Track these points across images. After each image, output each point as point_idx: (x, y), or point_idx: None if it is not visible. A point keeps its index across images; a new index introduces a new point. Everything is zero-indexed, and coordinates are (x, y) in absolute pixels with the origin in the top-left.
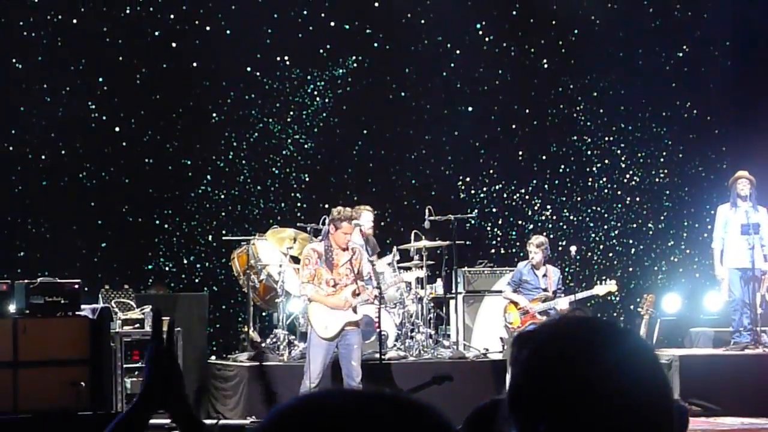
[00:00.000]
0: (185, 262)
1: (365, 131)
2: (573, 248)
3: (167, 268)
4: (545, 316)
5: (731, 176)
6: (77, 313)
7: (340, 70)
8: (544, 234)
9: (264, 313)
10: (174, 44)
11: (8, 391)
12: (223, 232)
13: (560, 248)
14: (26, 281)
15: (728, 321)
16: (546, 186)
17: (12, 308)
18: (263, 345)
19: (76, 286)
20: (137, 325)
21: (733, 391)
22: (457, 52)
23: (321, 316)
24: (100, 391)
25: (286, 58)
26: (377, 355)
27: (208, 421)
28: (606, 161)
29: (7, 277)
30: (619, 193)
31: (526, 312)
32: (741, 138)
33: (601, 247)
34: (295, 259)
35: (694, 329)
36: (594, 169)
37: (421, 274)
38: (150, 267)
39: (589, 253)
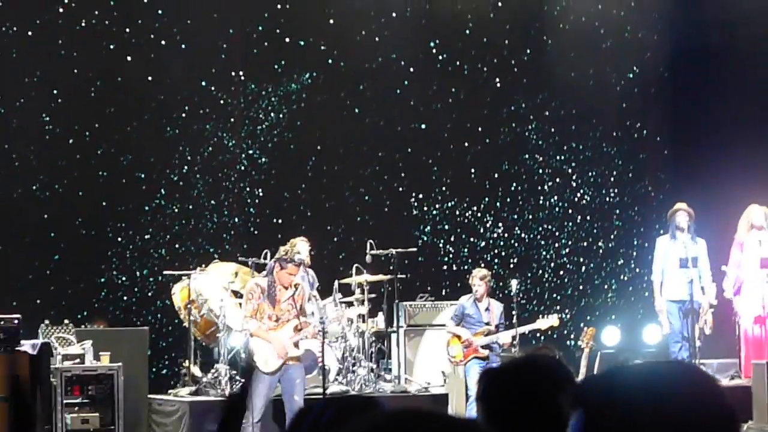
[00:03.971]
0: (137, 275)
1: (319, 147)
2: (514, 282)
3: (120, 281)
4: (488, 350)
5: (674, 200)
6: (17, 349)
7: (295, 86)
8: (489, 256)
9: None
10: (129, 57)
11: None
12: (163, 270)
13: (512, 266)
14: None
15: (667, 353)
16: (498, 204)
17: None
18: (204, 380)
19: (16, 322)
20: (77, 360)
21: None
22: (411, 69)
23: (263, 350)
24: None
25: (240, 73)
26: (319, 390)
27: None
28: (557, 180)
29: None
30: (570, 211)
31: (469, 345)
32: (683, 159)
33: (552, 264)
34: (237, 294)
35: (635, 362)
36: (546, 187)
37: (363, 311)
38: (103, 280)
39: (540, 271)
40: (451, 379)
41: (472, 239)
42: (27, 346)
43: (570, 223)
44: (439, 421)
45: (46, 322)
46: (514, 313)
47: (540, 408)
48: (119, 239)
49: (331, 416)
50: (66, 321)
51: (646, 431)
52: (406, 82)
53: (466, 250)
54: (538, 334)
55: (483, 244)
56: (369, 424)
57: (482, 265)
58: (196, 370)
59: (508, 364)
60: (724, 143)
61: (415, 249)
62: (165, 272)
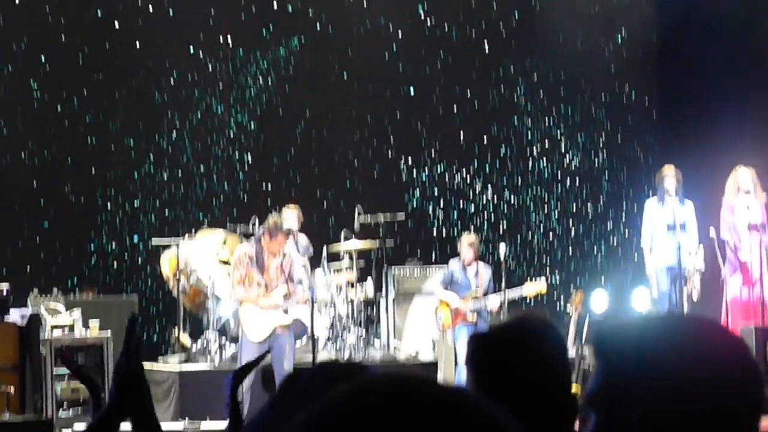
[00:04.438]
0: (127, 242)
1: (307, 112)
2: (502, 246)
3: (110, 248)
4: (476, 315)
5: (663, 162)
6: (5, 319)
7: (283, 51)
8: (479, 220)
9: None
10: (116, 24)
11: None
12: (152, 238)
13: (501, 231)
14: None
15: None
16: (487, 168)
17: None
18: (194, 348)
19: (5, 292)
20: (67, 330)
21: None
22: (399, 34)
23: (252, 319)
24: (30, 397)
25: (228, 38)
26: (309, 357)
27: None
28: (546, 144)
29: None
30: (558, 175)
31: (458, 311)
32: (671, 121)
33: (542, 228)
34: (226, 262)
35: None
36: (534, 151)
37: (352, 278)
38: (92, 247)
39: (529, 235)
40: (440, 345)
41: (461, 204)
42: (16, 315)
43: (559, 187)
44: (426, 385)
45: (35, 290)
46: (503, 277)
47: (528, 370)
48: (108, 206)
49: (320, 381)
50: (55, 290)
51: (670, 387)
52: (394, 47)
53: (455, 214)
54: (526, 300)
55: (472, 208)
56: (356, 387)
57: (472, 229)
58: (185, 339)
59: (496, 326)
60: (711, 105)
61: (403, 215)
62: (153, 240)
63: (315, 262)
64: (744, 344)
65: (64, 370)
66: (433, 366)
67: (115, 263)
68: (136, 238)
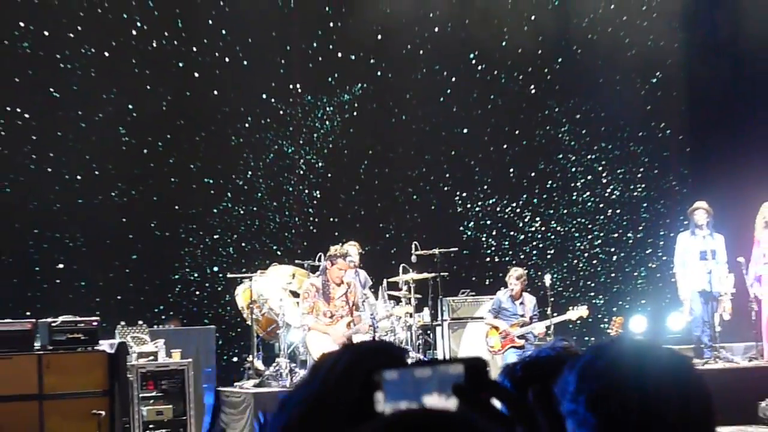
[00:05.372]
0: (208, 272)
1: (370, 151)
2: (547, 277)
3: (192, 278)
4: (523, 340)
5: (697, 193)
6: (96, 348)
7: (347, 96)
8: (528, 249)
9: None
10: (196, 74)
11: (35, 421)
12: (226, 269)
13: (549, 258)
14: (49, 320)
15: (690, 339)
16: (535, 200)
17: (36, 345)
18: (266, 373)
19: (95, 324)
20: (151, 358)
21: None
22: (453, 79)
23: (319, 345)
24: (119, 419)
25: (298, 85)
26: None
27: None
28: (589, 177)
29: (30, 314)
30: (601, 206)
31: (506, 336)
32: (704, 157)
33: (586, 255)
34: (294, 294)
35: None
36: (578, 184)
37: (410, 309)
38: (176, 277)
39: (575, 261)
40: (491, 367)
41: (511, 233)
42: (105, 345)
43: (601, 216)
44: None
45: (122, 323)
46: (549, 304)
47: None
48: (191, 239)
49: (348, 360)
50: (140, 322)
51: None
52: (448, 91)
53: (506, 243)
54: (570, 324)
55: (522, 237)
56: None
57: (522, 257)
58: (259, 364)
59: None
60: (741, 142)
61: (455, 249)
62: (228, 275)
63: (375, 292)
64: (692, 368)
65: (149, 393)
66: None
67: (196, 292)
68: (215, 269)
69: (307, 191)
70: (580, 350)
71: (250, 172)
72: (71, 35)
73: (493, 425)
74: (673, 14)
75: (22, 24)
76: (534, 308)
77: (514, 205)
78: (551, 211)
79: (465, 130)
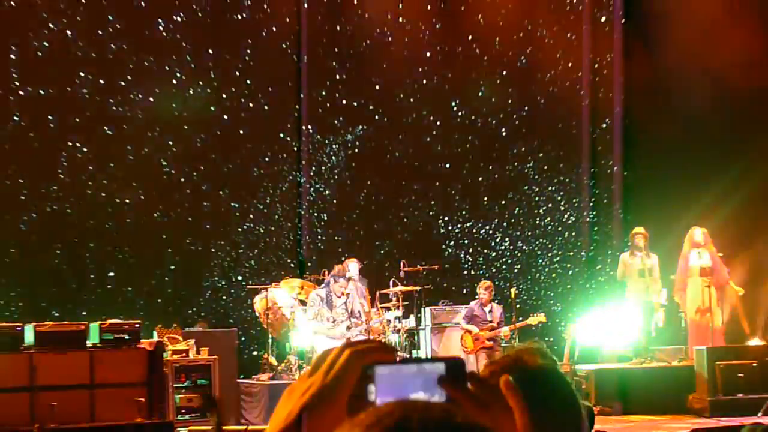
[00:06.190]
0: (233, 280)
1: (369, 182)
2: (513, 290)
3: (219, 286)
4: (492, 342)
5: (639, 219)
6: (138, 346)
7: (350, 136)
8: (499, 264)
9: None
10: (225, 116)
11: (87, 406)
12: (247, 279)
13: (515, 272)
14: (99, 322)
15: (632, 342)
16: (505, 223)
17: (88, 343)
18: (279, 368)
19: (137, 326)
20: (183, 355)
21: (637, 395)
22: (438, 122)
23: (323, 345)
24: (156, 405)
25: (309, 127)
26: None
27: (238, 427)
28: (549, 205)
29: (86, 315)
30: (559, 228)
31: (478, 339)
32: (643, 189)
33: (546, 269)
34: (302, 302)
35: (606, 350)
36: (540, 210)
37: (399, 314)
38: (206, 284)
39: (537, 275)
40: (466, 364)
41: (485, 251)
42: (145, 344)
43: (559, 238)
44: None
45: (160, 326)
46: (514, 311)
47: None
48: (219, 253)
49: (348, 356)
50: (174, 325)
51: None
52: (434, 132)
53: (480, 259)
54: (532, 328)
55: (493, 254)
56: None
57: (493, 270)
58: (273, 361)
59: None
60: (672, 176)
61: (437, 266)
62: (249, 286)
63: (371, 301)
64: (572, 390)
65: (181, 384)
66: None
67: (223, 298)
68: (240, 278)
69: (316, 214)
70: None
71: (268, 198)
72: (122, 83)
73: (472, 406)
74: (620, 74)
75: (82, 74)
76: (501, 315)
77: (488, 227)
78: (518, 233)
79: (447, 165)
